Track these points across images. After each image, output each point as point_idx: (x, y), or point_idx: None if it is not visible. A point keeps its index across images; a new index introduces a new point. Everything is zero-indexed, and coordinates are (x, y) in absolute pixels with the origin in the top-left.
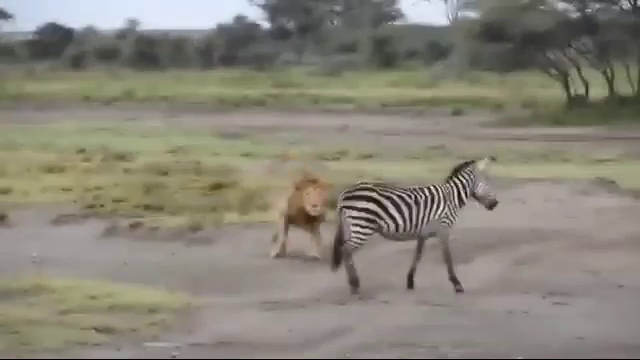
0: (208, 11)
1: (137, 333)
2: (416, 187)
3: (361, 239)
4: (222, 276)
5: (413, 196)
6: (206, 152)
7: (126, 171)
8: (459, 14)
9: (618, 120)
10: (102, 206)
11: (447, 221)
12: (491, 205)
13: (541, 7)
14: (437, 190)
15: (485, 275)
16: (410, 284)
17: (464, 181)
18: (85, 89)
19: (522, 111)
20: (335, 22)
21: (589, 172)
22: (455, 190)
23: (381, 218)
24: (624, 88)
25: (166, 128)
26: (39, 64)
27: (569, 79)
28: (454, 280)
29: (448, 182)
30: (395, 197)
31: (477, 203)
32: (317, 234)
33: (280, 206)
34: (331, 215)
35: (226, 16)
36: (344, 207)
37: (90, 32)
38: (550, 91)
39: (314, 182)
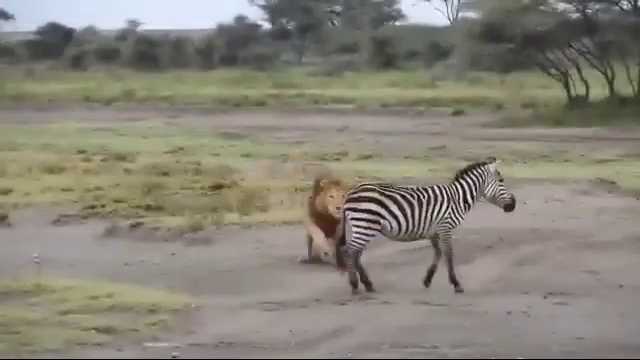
0: (208, 11)
1: (137, 333)
2: (419, 187)
3: (364, 240)
4: (222, 276)
5: (416, 196)
6: (206, 152)
7: (126, 171)
8: (459, 14)
9: (618, 120)
10: (102, 206)
11: (449, 222)
12: (506, 207)
13: (541, 7)
14: (441, 190)
15: (485, 275)
16: (427, 281)
17: (471, 182)
18: (85, 89)
19: (522, 111)
20: (335, 22)
21: (589, 172)
22: (460, 191)
23: (384, 218)
24: (624, 88)
25: (166, 128)
26: (39, 64)
27: (569, 79)
28: (454, 281)
29: (454, 183)
30: (398, 197)
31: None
32: (334, 236)
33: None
34: None
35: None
36: (347, 209)
37: (90, 32)
38: (550, 91)
39: (337, 184)
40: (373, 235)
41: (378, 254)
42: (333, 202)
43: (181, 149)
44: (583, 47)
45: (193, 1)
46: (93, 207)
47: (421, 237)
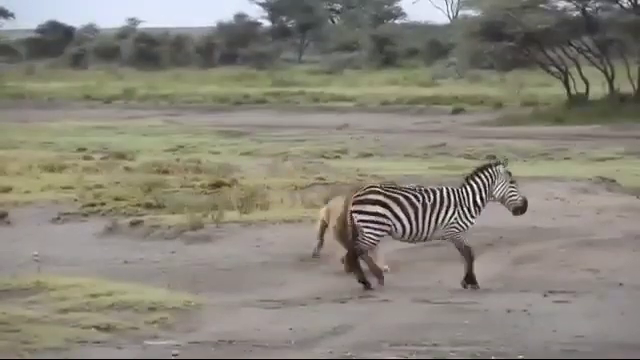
0: (208, 9)
1: (137, 331)
2: (427, 188)
3: (371, 242)
4: (222, 274)
5: (421, 198)
6: (206, 150)
7: (126, 169)
8: (459, 12)
9: (618, 118)
10: (102, 204)
11: (456, 226)
12: (515, 210)
13: (541, 6)
14: (449, 193)
15: (485, 273)
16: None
17: (480, 184)
18: (85, 87)
19: (522, 109)
20: (335, 20)
21: (589, 170)
22: (470, 194)
23: (389, 219)
24: (624, 86)
25: (166, 127)
26: (39, 62)
27: (569, 77)
28: (471, 280)
29: (464, 185)
30: (402, 199)
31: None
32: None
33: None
34: None
35: (226, 14)
36: (353, 211)
37: (90, 31)
38: (550, 89)
39: None
40: (380, 237)
41: (378, 254)
42: None
43: (181, 147)
44: (583, 45)
45: None
46: (93, 205)
47: (427, 239)
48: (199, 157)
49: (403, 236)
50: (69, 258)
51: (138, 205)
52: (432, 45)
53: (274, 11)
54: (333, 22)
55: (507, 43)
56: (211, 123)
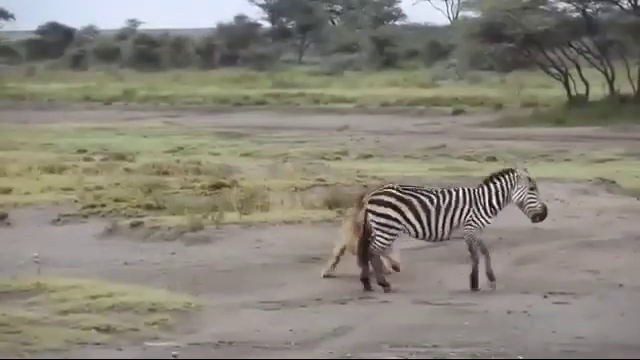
0: (208, 11)
1: (137, 333)
2: (443, 189)
3: (383, 243)
4: (222, 276)
5: (436, 200)
6: (206, 152)
7: (126, 171)
8: (460, 14)
9: (618, 120)
10: (102, 206)
11: (472, 224)
12: (534, 216)
13: (541, 7)
14: (464, 194)
15: (485, 275)
16: (490, 278)
17: (498, 187)
18: (85, 89)
19: (522, 111)
20: (336, 22)
21: (589, 172)
22: (487, 194)
23: (400, 223)
24: (624, 88)
25: (166, 128)
26: (39, 64)
27: (569, 79)
28: (474, 282)
29: (481, 186)
30: (415, 202)
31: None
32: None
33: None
34: None
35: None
36: (367, 210)
37: (90, 32)
38: (550, 91)
39: None
40: (390, 240)
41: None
42: None
43: (181, 148)
44: (583, 46)
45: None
46: (93, 206)
47: (444, 239)
48: (199, 158)
49: (417, 237)
50: (69, 259)
51: (138, 206)
52: (432, 46)
53: (274, 12)
54: (333, 23)
55: (507, 44)
56: (211, 124)
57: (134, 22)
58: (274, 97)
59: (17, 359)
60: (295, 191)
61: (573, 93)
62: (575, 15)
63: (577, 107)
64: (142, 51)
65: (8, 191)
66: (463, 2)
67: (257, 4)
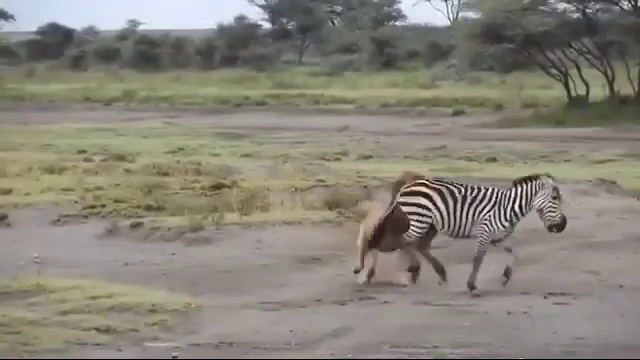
0: (208, 11)
1: (137, 333)
2: (473, 185)
3: (416, 233)
4: (223, 276)
5: (464, 192)
6: (206, 152)
7: (126, 171)
8: (460, 15)
9: (619, 120)
10: (102, 206)
11: (487, 223)
12: (550, 226)
13: (541, 8)
14: (492, 192)
15: (486, 275)
16: (505, 275)
17: (523, 192)
18: (85, 89)
19: (522, 111)
20: (336, 23)
21: (590, 172)
22: (512, 198)
23: (430, 211)
24: (624, 88)
25: (166, 129)
26: (39, 64)
27: (569, 79)
28: (471, 284)
29: (510, 189)
30: (444, 190)
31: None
32: None
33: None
34: None
35: (227, 16)
36: (399, 203)
37: (90, 33)
38: (550, 91)
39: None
40: (423, 229)
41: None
42: None
43: (181, 149)
44: (583, 47)
45: (193, 1)
46: (93, 207)
47: (466, 235)
48: (199, 159)
49: (443, 228)
50: (69, 260)
51: (138, 207)
52: (432, 47)
53: (274, 13)
54: (333, 24)
55: (507, 45)
56: (211, 125)
57: (134, 23)
58: (274, 98)
59: (17, 359)
60: (295, 192)
61: (573, 94)
62: (575, 16)
63: (577, 108)
64: (142, 52)
65: (8, 192)
66: (463, 3)
67: (257, 5)
